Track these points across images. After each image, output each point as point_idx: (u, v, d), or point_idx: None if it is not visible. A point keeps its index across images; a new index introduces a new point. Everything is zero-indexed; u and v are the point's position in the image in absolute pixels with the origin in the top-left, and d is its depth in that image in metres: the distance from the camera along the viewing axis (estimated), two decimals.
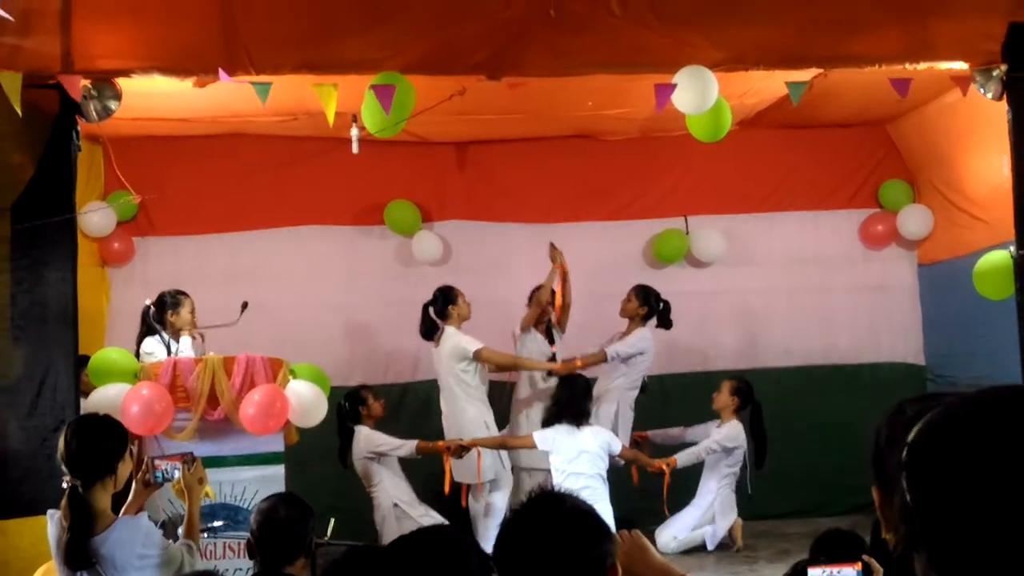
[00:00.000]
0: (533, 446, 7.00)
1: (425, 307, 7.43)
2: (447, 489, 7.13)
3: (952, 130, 8.10)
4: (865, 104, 8.16)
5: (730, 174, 8.93)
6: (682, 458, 7.34)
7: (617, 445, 7.05)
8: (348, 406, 7.27)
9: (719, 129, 6.52)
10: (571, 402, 6.95)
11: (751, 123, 8.25)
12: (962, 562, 1.04)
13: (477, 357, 7.24)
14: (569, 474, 6.66)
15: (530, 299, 7.85)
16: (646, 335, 7.70)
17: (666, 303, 7.79)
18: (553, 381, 7.45)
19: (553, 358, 7.66)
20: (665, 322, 7.79)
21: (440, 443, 7.10)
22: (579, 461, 6.72)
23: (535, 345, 7.72)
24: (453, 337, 7.29)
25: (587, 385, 7.20)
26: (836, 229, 9.07)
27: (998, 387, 1.11)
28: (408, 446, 7.10)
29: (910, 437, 1.12)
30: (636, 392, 7.76)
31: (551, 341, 7.81)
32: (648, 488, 7.45)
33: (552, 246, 7.76)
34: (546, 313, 7.79)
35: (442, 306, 7.38)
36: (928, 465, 1.09)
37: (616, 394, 7.65)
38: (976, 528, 1.03)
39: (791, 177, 9.07)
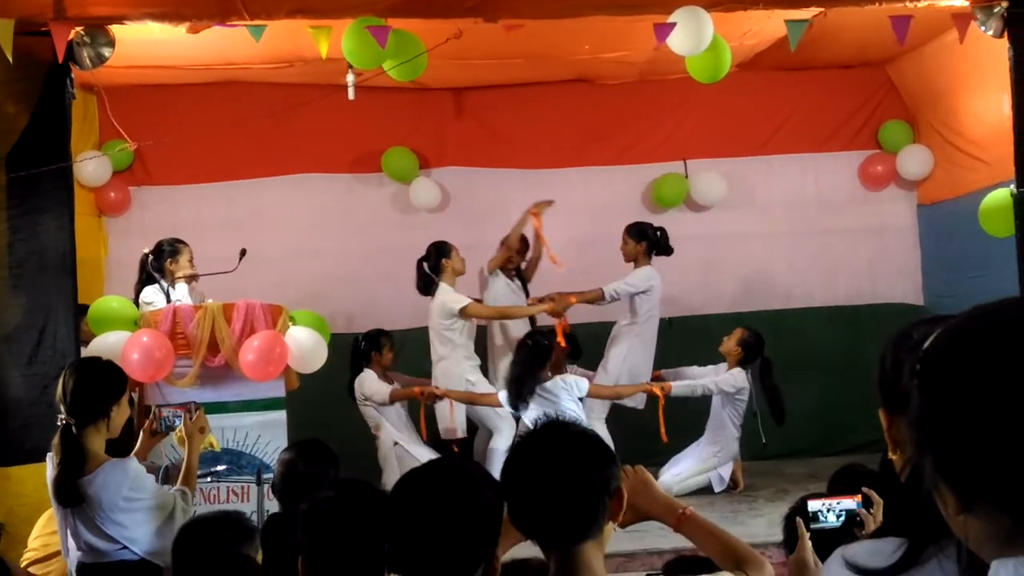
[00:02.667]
0: (499, 404, 6.98)
1: (419, 262, 7.42)
2: (424, 435, 7.27)
3: (951, 70, 8.04)
4: (864, 44, 8.09)
5: (730, 117, 8.87)
6: (677, 387, 7.28)
7: (583, 385, 6.93)
8: (364, 346, 7.30)
9: (718, 70, 6.47)
10: (510, 381, 6.83)
11: (750, 65, 8.18)
12: (969, 466, 1.06)
13: (463, 314, 7.25)
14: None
15: (501, 243, 7.87)
16: (647, 273, 7.62)
17: (661, 230, 7.70)
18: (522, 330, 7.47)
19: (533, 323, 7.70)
20: (665, 249, 7.69)
21: (415, 389, 7.19)
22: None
23: (502, 288, 7.75)
24: (442, 294, 7.30)
25: (537, 350, 6.88)
26: (836, 171, 9.04)
27: (1012, 298, 1.14)
28: (382, 393, 7.17)
29: (925, 345, 1.13)
30: (649, 333, 7.68)
31: (525, 289, 7.83)
32: (649, 430, 7.47)
33: (542, 203, 7.78)
34: (512, 260, 7.78)
35: (435, 261, 7.38)
36: (940, 371, 1.10)
37: (625, 337, 7.62)
38: (984, 432, 1.04)
39: (791, 119, 9.02)
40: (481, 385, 7.34)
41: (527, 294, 7.84)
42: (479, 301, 7.61)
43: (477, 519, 2.03)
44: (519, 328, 7.65)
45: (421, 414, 7.24)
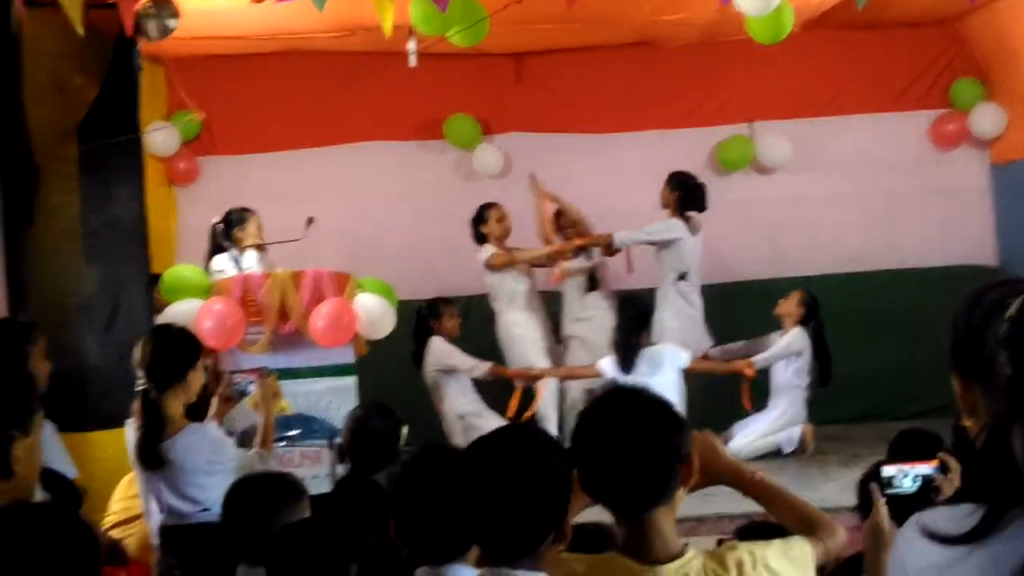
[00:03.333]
0: (599, 375, 6.98)
1: (472, 221, 7.65)
2: (510, 413, 7.26)
3: None
4: (932, 2, 7.91)
5: (794, 78, 8.73)
6: (758, 361, 7.30)
7: (683, 359, 6.95)
8: (425, 314, 7.38)
9: (780, 30, 6.35)
10: (619, 346, 6.87)
11: (815, 24, 8.00)
12: None
13: (488, 265, 7.49)
14: None
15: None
16: (669, 223, 7.50)
17: (700, 184, 7.60)
18: (598, 308, 7.51)
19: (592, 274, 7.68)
20: (697, 203, 7.56)
21: (511, 370, 7.29)
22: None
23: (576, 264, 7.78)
24: (482, 251, 7.54)
25: (642, 314, 7.02)
26: (905, 131, 8.85)
27: None
28: (482, 368, 7.22)
29: (1010, 311, 1.10)
30: (690, 294, 7.58)
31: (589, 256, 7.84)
32: (718, 396, 7.44)
33: (532, 178, 7.85)
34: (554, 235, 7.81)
35: (475, 227, 7.60)
36: None
37: (662, 302, 7.51)
38: None
39: (857, 79, 8.84)
40: (525, 341, 7.44)
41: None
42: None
43: (547, 485, 2.04)
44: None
45: (516, 395, 7.27)
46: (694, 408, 6.90)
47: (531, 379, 7.15)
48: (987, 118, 8.64)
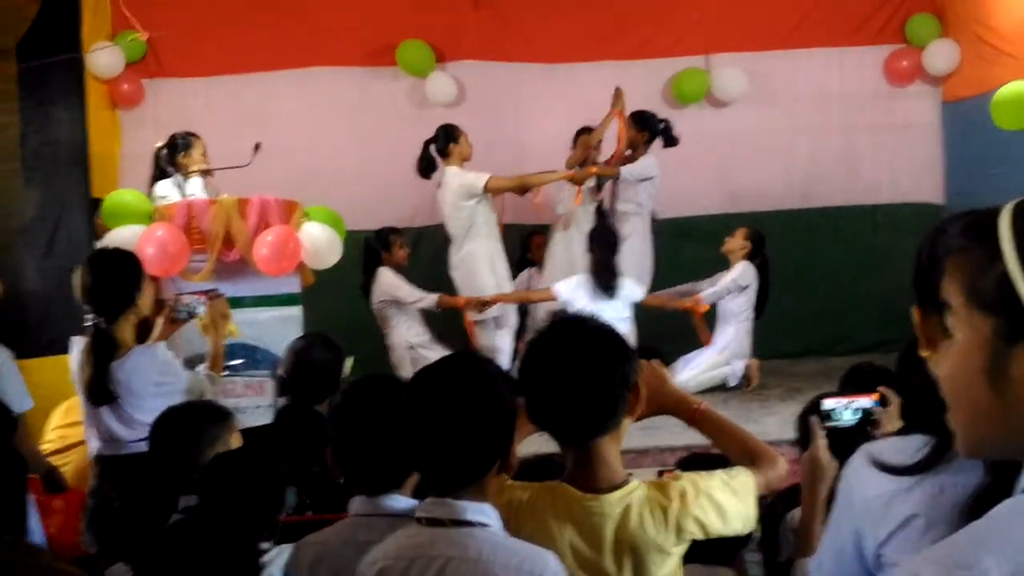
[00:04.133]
0: (554, 299, 7.02)
1: (426, 143, 7.28)
2: (472, 342, 7.23)
3: None
4: None
5: (752, 9, 8.67)
6: (706, 296, 7.35)
7: (638, 293, 7.07)
8: (373, 244, 7.28)
9: None
10: (599, 269, 6.93)
11: None
12: None
13: (487, 189, 7.09)
14: None
15: (575, 141, 7.75)
16: (652, 161, 7.56)
17: (665, 121, 7.63)
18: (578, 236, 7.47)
19: (600, 207, 7.61)
20: (670, 140, 7.63)
21: (460, 298, 7.13)
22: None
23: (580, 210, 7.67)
24: (457, 176, 7.15)
25: (616, 241, 7.10)
26: (860, 66, 8.85)
27: None
28: (429, 299, 7.11)
29: (1006, 214, 1.11)
30: (649, 225, 7.66)
31: (599, 188, 7.74)
32: (667, 331, 7.49)
33: (617, 91, 7.59)
34: (591, 157, 7.67)
35: (443, 144, 7.22)
36: None
37: (636, 231, 7.55)
38: None
39: (815, 12, 8.80)
40: (504, 265, 7.32)
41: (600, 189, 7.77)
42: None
43: (492, 413, 2.01)
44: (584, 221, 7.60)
45: (467, 322, 7.22)
46: (644, 339, 6.98)
47: (482, 307, 7.08)
48: (941, 54, 8.65)
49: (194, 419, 3.10)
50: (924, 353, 1.25)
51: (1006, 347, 1.09)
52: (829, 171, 8.85)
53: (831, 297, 8.45)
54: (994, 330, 1.09)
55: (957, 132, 8.77)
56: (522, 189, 7.50)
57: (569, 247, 7.58)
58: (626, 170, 7.50)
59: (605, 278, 6.93)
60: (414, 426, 2.03)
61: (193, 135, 6.48)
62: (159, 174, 6.41)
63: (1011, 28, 7.67)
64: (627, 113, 7.61)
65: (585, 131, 7.71)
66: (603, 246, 7.01)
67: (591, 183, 7.67)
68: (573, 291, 6.94)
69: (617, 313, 6.76)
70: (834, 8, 8.78)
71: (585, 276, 6.99)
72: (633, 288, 7.06)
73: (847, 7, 8.79)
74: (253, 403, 5.68)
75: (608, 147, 7.78)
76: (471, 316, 7.20)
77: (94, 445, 4.00)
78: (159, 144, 6.46)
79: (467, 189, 7.10)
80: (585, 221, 7.60)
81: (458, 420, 2.00)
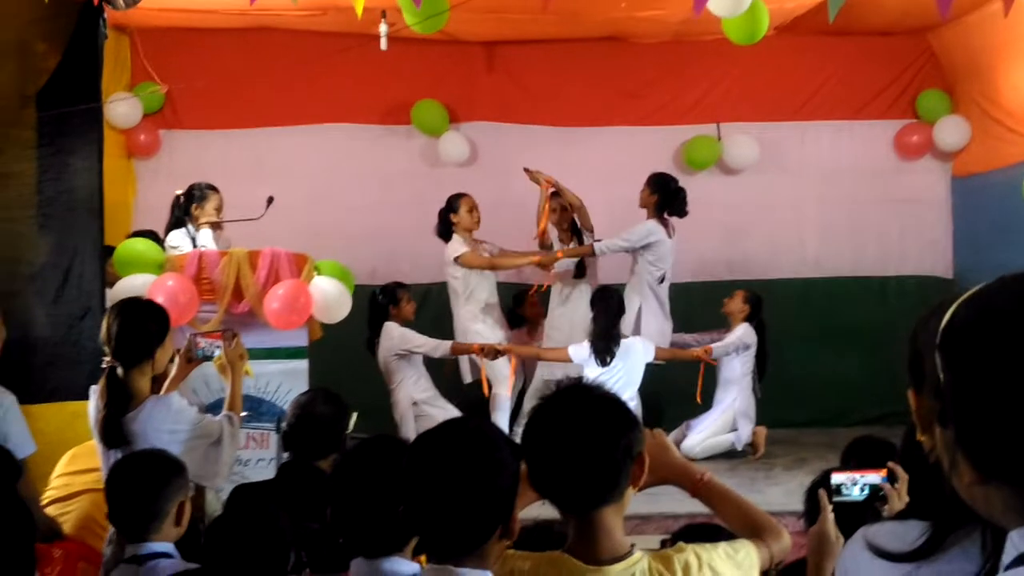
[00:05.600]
0: (568, 360, 7.03)
1: (441, 212, 7.50)
2: (486, 391, 7.24)
3: (993, 41, 7.88)
4: (905, 12, 7.95)
5: (765, 81, 8.76)
6: (717, 348, 7.33)
7: (651, 352, 7.07)
8: (381, 299, 7.31)
9: (755, 32, 6.35)
10: (599, 337, 6.94)
11: (788, 28, 8.04)
12: (992, 436, 1.06)
13: (457, 262, 7.38)
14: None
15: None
16: (648, 227, 7.43)
17: (680, 188, 7.54)
18: (580, 291, 7.50)
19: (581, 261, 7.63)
20: (678, 209, 7.53)
21: (475, 345, 7.16)
22: (611, 380, 6.81)
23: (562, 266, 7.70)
24: (449, 244, 7.42)
25: (619, 305, 7.12)
26: (871, 139, 8.92)
27: None
28: (443, 347, 7.15)
29: (947, 314, 1.13)
30: (661, 293, 7.57)
31: (580, 242, 7.75)
32: (671, 392, 7.50)
33: (526, 171, 7.66)
34: (567, 219, 7.70)
35: (446, 213, 7.46)
36: (964, 340, 1.10)
37: (628, 298, 7.51)
38: (1007, 404, 1.04)
39: (827, 85, 8.89)
40: (482, 337, 7.31)
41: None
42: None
43: (494, 480, 2.01)
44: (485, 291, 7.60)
45: (482, 369, 7.23)
46: (647, 403, 6.99)
47: (496, 355, 7.10)
48: (951, 130, 8.71)
49: (155, 469, 3.13)
50: (920, 437, 1.26)
51: (956, 454, 1.11)
52: (838, 242, 8.87)
53: (839, 367, 8.43)
54: (950, 437, 1.11)
55: (966, 207, 8.80)
56: (501, 269, 7.68)
57: (569, 311, 7.59)
58: (607, 243, 7.44)
59: (603, 346, 6.93)
60: (415, 490, 2.02)
61: (211, 188, 6.55)
62: (174, 223, 6.47)
63: (1019, 106, 7.74)
64: (551, 179, 7.61)
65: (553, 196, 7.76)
66: (606, 312, 7.01)
67: (568, 263, 7.64)
68: (584, 354, 6.95)
69: (634, 372, 6.96)
70: (846, 82, 8.86)
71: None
72: (648, 347, 7.09)
73: (859, 82, 8.87)
74: (256, 456, 5.67)
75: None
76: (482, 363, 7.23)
77: None
78: (179, 192, 6.52)
79: (447, 257, 7.40)
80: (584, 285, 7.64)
81: (460, 485, 1.99)
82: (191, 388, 5.41)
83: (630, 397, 6.87)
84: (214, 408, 4.57)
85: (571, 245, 7.66)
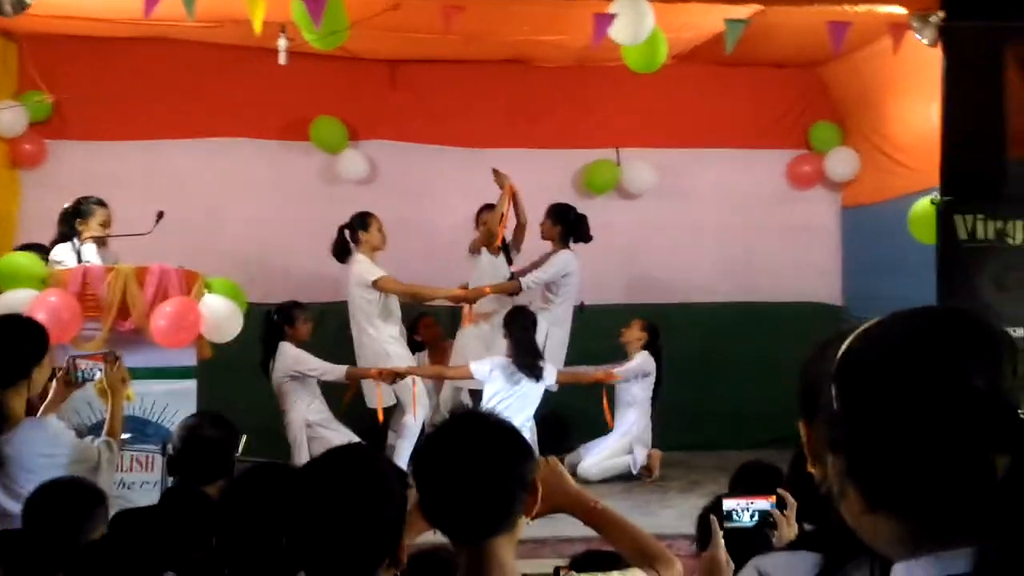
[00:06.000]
0: (469, 376, 7.02)
1: (341, 228, 7.35)
2: (380, 417, 7.12)
3: (883, 75, 8.14)
4: (799, 45, 8.16)
5: (663, 108, 8.89)
6: (622, 372, 7.50)
7: (552, 377, 7.12)
8: (276, 319, 7.16)
9: (653, 61, 6.47)
10: (522, 352, 6.95)
11: (687, 58, 8.19)
12: (881, 466, 1.09)
13: (375, 285, 7.19)
14: (499, 404, 6.71)
15: (477, 221, 7.77)
16: (564, 259, 7.57)
17: (581, 216, 7.68)
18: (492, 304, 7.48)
19: (512, 277, 7.59)
20: (583, 236, 7.68)
21: (373, 370, 7.04)
22: (512, 400, 6.81)
23: (489, 266, 7.63)
24: (359, 264, 7.24)
25: (533, 323, 7.14)
26: (765, 168, 9.11)
27: (929, 306, 1.20)
28: (338, 371, 7.04)
29: (844, 345, 1.16)
30: (565, 314, 7.69)
31: (509, 261, 7.73)
32: (564, 417, 7.52)
33: (495, 172, 7.63)
34: (495, 235, 7.67)
35: (355, 231, 7.31)
36: (858, 371, 1.13)
37: (542, 320, 7.55)
38: (898, 435, 1.07)
39: (723, 114, 9.06)
40: (402, 359, 7.23)
41: (511, 264, 7.73)
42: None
43: (380, 509, 1.96)
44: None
45: (378, 392, 7.07)
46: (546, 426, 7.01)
47: (393, 378, 7.01)
48: (841, 162, 8.97)
49: (75, 498, 2.98)
50: (811, 469, 1.27)
51: (845, 483, 1.12)
52: (732, 268, 9.03)
53: (730, 391, 8.55)
54: (841, 466, 1.13)
55: (856, 237, 9.06)
56: (422, 300, 7.64)
57: (481, 335, 7.56)
58: (532, 278, 7.50)
59: (528, 358, 6.93)
60: (300, 520, 1.96)
61: (99, 202, 6.36)
62: (60, 237, 6.26)
63: (908, 141, 8.00)
64: (515, 187, 7.62)
65: (487, 208, 7.74)
66: (520, 329, 7.02)
67: (491, 300, 7.61)
68: (489, 372, 6.93)
69: (536, 394, 6.96)
70: (741, 112, 9.05)
71: (504, 360, 6.96)
72: (551, 371, 7.14)
73: (753, 111, 9.08)
74: (140, 479, 5.51)
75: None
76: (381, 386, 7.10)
77: None
78: (67, 205, 6.32)
79: (361, 278, 7.19)
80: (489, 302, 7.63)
81: (344, 515, 1.94)
82: (73, 408, 5.24)
83: (526, 418, 6.88)
84: (96, 430, 4.42)
85: (499, 258, 7.64)
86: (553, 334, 7.58)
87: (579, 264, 7.62)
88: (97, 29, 7.63)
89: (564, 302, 7.67)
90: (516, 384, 6.92)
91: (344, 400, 7.36)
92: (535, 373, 6.94)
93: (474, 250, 7.68)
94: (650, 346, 7.63)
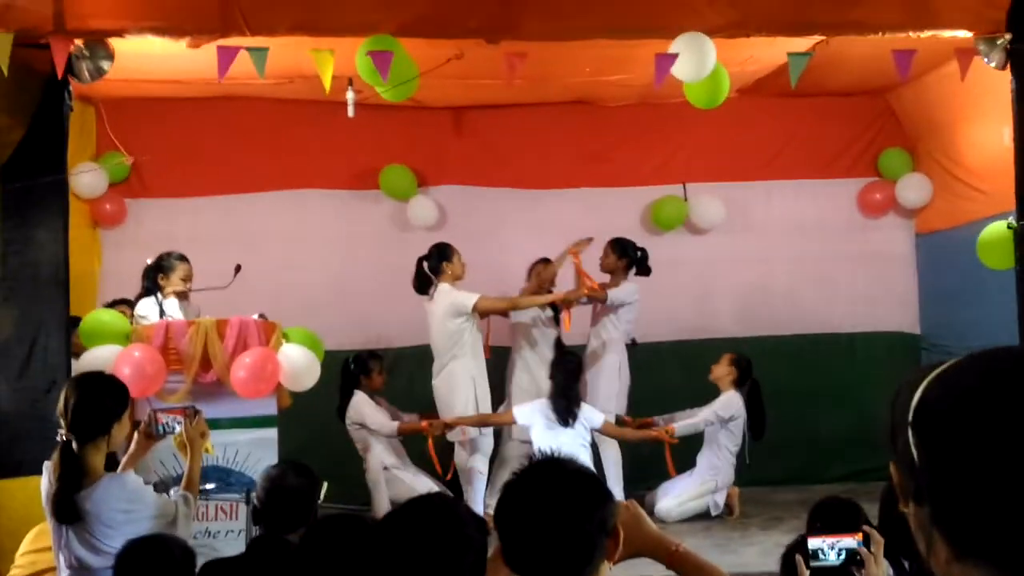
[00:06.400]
0: (512, 422, 7.04)
1: (420, 261, 7.36)
2: (439, 470, 7.19)
3: (952, 100, 8.03)
4: (866, 73, 8.08)
5: (729, 141, 8.86)
6: (680, 427, 7.30)
7: (599, 419, 7.05)
8: (353, 368, 7.27)
9: (716, 96, 6.47)
10: (559, 396, 6.95)
11: (751, 90, 8.17)
12: (968, 516, 1.06)
13: (476, 309, 7.13)
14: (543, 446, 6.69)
15: (530, 272, 7.82)
16: (633, 286, 7.70)
17: (643, 250, 7.76)
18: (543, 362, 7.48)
19: (559, 338, 7.63)
20: (644, 269, 7.76)
21: (422, 424, 7.09)
22: (552, 443, 6.79)
23: (532, 318, 7.69)
24: (449, 294, 7.19)
25: (578, 367, 7.17)
26: (835, 197, 9.02)
27: (1008, 347, 1.14)
28: (389, 427, 7.14)
29: (918, 392, 1.13)
30: (624, 348, 7.72)
31: (556, 321, 7.75)
32: (643, 456, 7.48)
33: (582, 241, 7.78)
34: (544, 288, 7.71)
35: (436, 262, 7.29)
36: (936, 420, 1.10)
37: (613, 352, 7.58)
38: (984, 482, 1.04)
39: (790, 145, 9.01)
40: (485, 386, 7.25)
41: (557, 323, 7.77)
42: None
43: (460, 558, 1.98)
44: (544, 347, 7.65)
45: (430, 449, 7.16)
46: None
47: (444, 429, 7.05)
48: (913, 188, 8.84)
49: (166, 555, 3.05)
50: (903, 508, 1.26)
51: (932, 532, 1.10)
52: (806, 299, 8.92)
53: (812, 425, 8.44)
54: (926, 515, 1.11)
55: (931, 263, 8.91)
56: (524, 307, 7.60)
57: (531, 372, 7.57)
58: (612, 294, 7.56)
59: (564, 405, 6.93)
60: (382, 570, 1.99)
61: (180, 257, 6.51)
62: (144, 292, 6.43)
63: (980, 165, 7.87)
64: (581, 256, 7.74)
65: (542, 262, 7.79)
66: (565, 372, 7.02)
67: (547, 311, 7.68)
68: (530, 415, 6.94)
69: (578, 439, 6.85)
70: (808, 142, 8.99)
71: (545, 402, 6.98)
72: (593, 413, 7.06)
73: (822, 141, 9.00)
74: (225, 527, 5.59)
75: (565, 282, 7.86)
76: (451, 438, 7.15)
77: (64, 574, 3.91)
78: (149, 261, 6.49)
79: (456, 307, 7.13)
80: (545, 346, 7.63)
81: (425, 564, 1.96)
82: (158, 459, 5.37)
83: (584, 461, 6.82)
84: (180, 481, 4.51)
85: (545, 312, 7.69)
86: (624, 368, 7.56)
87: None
88: (170, 90, 7.85)
89: (624, 333, 7.69)
90: (552, 427, 6.90)
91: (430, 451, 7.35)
92: (566, 417, 6.91)
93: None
94: (741, 382, 7.53)
